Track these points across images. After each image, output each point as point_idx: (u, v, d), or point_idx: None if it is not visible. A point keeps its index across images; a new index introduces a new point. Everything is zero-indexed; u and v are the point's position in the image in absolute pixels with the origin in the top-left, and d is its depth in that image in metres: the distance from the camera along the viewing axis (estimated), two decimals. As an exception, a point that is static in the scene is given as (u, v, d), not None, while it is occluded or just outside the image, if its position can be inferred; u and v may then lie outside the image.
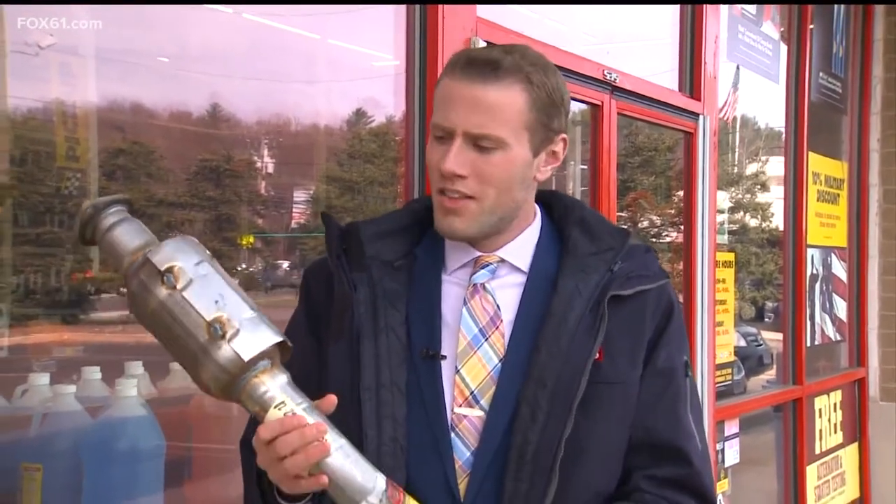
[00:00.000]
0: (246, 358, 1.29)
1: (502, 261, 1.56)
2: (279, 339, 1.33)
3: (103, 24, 2.60)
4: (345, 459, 1.32)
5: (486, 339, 1.51)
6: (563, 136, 1.57)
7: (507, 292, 1.54)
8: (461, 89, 1.47)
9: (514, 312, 1.53)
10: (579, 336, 1.48)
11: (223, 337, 1.28)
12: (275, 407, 1.31)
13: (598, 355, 1.47)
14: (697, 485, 1.52)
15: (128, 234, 1.35)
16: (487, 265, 1.55)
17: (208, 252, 1.35)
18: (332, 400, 1.34)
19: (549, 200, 1.65)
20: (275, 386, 1.32)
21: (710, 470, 1.57)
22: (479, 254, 1.56)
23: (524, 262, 1.57)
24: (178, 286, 1.29)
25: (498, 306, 1.52)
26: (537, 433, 1.44)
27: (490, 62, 1.49)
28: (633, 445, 1.52)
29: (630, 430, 1.51)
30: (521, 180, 1.52)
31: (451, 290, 1.55)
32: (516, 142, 1.49)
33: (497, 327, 1.52)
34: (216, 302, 1.30)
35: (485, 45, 3.08)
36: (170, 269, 1.29)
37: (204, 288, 1.30)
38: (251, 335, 1.30)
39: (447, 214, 1.50)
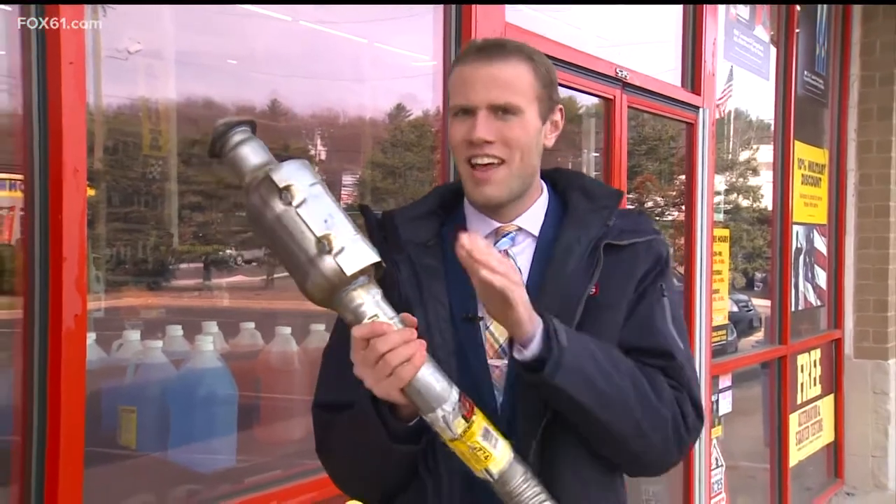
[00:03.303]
0: (348, 273, 1.28)
1: (520, 229, 1.57)
2: (377, 259, 1.32)
3: (180, 31, 2.62)
4: (427, 368, 1.32)
5: None
6: (560, 106, 1.60)
7: (524, 256, 1.56)
8: (478, 70, 1.49)
9: (528, 271, 1.55)
10: (577, 276, 1.50)
11: (329, 252, 1.27)
12: (368, 318, 1.31)
13: (594, 290, 1.49)
14: (678, 375, 1.50)
15: (251, 153, 1.33)
16: (507, 234, 1.56)
17: (320, 176, 1.34)
18: (414, 319, 1.35)
19: (553, 175, 1.66)
20: (370, 300, 1.31)
21: (694, 371, 1.55)
22: (498, 225, 1.56)
23: (537, 228, 1.58)
24: (294, 203, 1.28)
25: (519, 270, 1.52)
26: None
27: (498, 45, 1.53)
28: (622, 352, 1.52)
29: (619, 343, 1.51)
30: (536, 145, 1.54)
31: None
32: (529, 109, 1.50)
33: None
34: (325, 221, 1.29)
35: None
36: (287, 187, 1.28)
37: (316, 207, 1.29)
38: (354, 253, 1.29)
39: (479, 185, 1.50)
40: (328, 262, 1.27)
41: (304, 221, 1.28)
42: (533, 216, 1.58)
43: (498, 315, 1.36)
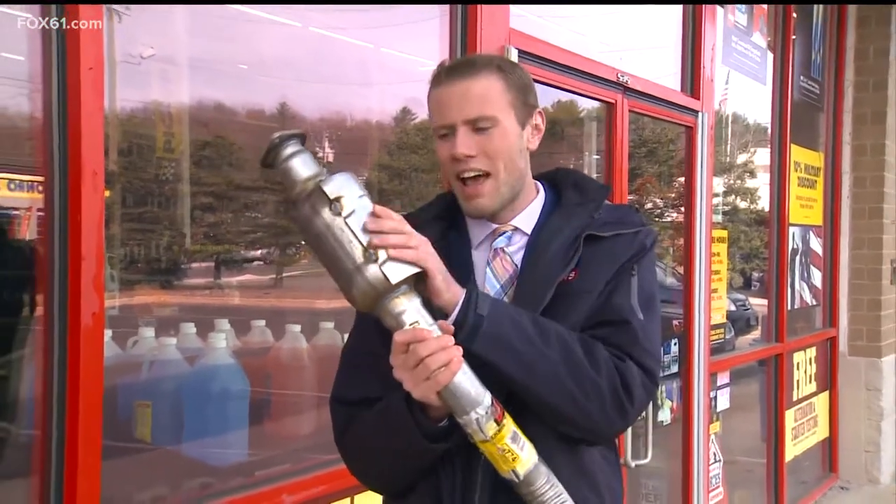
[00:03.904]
0: (393, 281, 1.32)
1: (515, 229, 1.60)
2: (418, 270, 1.35)
3: (192, 37, 2.63)
4: (462, 374, 1.36)
5: (506, 293, 1.55)
6: (539, 110, 1.62)
7: (521, 255, 1.59)
8: (451, 90, 1.51)
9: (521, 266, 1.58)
10: (555, 262, 1.53)
11: (375, 261, 1.31)
12: (409, 324, 1.35)
13: (573, 276, 1.52)
14: (627, 342, 1.51)
15: (302, 165, 1.36)
16: (503, 233, 1.59)
17: (365, 188, 1.37)
18: (451, 327, 1.38)
19: (553, 175, 1.69)
20: (411, 307, 1.35)
21: (651, 342, 1.54)
22: (495, 226, 1.60)
23: (531, 226, 1.61)
24: (343, 213, 1.32)
25: (516, 266, 1.57)
26: None
27: (466, 63, 1.56)
28: (580, 328, 1.53)
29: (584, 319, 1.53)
30: (519, 150, 1.56)
31: (480, 259, 1.59)
32: (506, 118, 1.53)
33: (514, 283, 1.56)
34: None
35: (516, 52, 3.08)
36: (338, 199, 1.32)
37: (363, 217, 1.33)
38: (398, 263, 1.33)
39: (470, 199, 1.55)
40: (374, 271, 1.32)
41: (353, 231, 1.32)
42: (528, 216, 1.61)
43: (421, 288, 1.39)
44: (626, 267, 1.56)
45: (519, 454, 1.37)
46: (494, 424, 1.36)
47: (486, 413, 1.35)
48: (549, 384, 1.43)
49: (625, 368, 1.49)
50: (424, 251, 1.37)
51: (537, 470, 1.39)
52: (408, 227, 1.38)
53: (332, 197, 1.32)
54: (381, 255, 1.32)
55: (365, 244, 1.32)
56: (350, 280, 1.33)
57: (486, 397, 1.36)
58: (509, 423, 1.38)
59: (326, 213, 1.32)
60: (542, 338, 1.44)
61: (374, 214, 1.34)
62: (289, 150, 1.37)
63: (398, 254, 1.33)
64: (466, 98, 1.50)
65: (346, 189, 1.33)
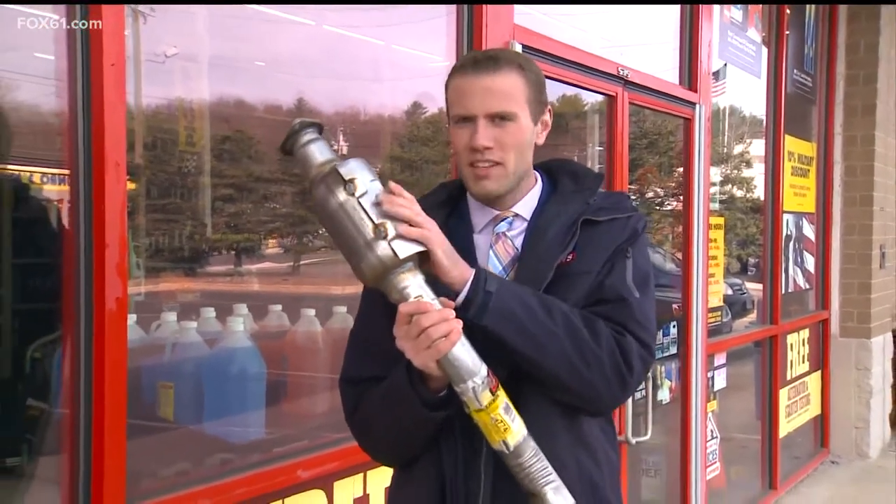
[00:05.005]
0: (401, 256, 1.34)
1: (516, 215, 1.61)
2: (424, 248, 1.37)
3: (212, 36, 2.62)
4: (461, 344, 1.37)
5: (508, 274, 1.56)
6: (549, 107, 1.63)
7: (521, 239, 1.60)
8: (475, 82, 1.52)
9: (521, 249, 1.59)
10: (554, 245, 1.54)
11: (385, 237, 1.34)
12: (413, 298, 1.37)
13: (570, 258, 1.53)
14: (625, 317, 1.52)
15: (318, 151, 1.39)
16: (505, 219, 1.60)
17: (377, 173, 1.40)
18: (451, 302, 1.40)
19: (549, 165, 1.70)
20: (415, 283, 1.37)
21: (647, 317, 1.55)
22: (496, 212, 1.60)
23: (531, 213, 1.62)
24: (356, 193, 1.34)
25: (517, 249, 1.58)
26: None
27: (491, 58, 1.56)
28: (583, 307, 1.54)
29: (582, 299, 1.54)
30: (529, 145, 1.58)
31: (482, 244, 1.60)
32: (523, 114, 1.54)
33: (515, 265, 1.57)
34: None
35: (520, 47, 3.05)
36: (352, 180, 1.34)
37: (375, 199, 1.36)
38: (406, 241, 1.35)
39: (479, 180, 1.55)
40: (383, 246, 1.34)
41: (364, 209, 1.34)
42: (527, 203, 1.62)
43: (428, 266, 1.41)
44: (620, 249, 1.57)
45: (510, 425, 1.39)
46: (489, 394, 1.38)
47: (483, 383, 1.37)
48: (555, 356, 1.45)
49: (624, 342, 1.50)
50: (432, 230, 1.39)
51: (526, 443, 1.41)
52: (417, 207, 1.39)
53: (346, 178, 1.35)
54: (391, 232, 1.34)
55: (376, 222, 1.34)
56: (360, 255, 1.35)
57: (482, 368, 1.38)
58: (503, 395, 1.40)
59: (341, 193, 1.34)
60: (547, 313, 1.45)
61: (389, 191, 1.37)
62: (307, 136, 1.40)
63: (406, 231, 1.35)
64: (491, 92, 1.51)
65: (360, 172, 1.36)
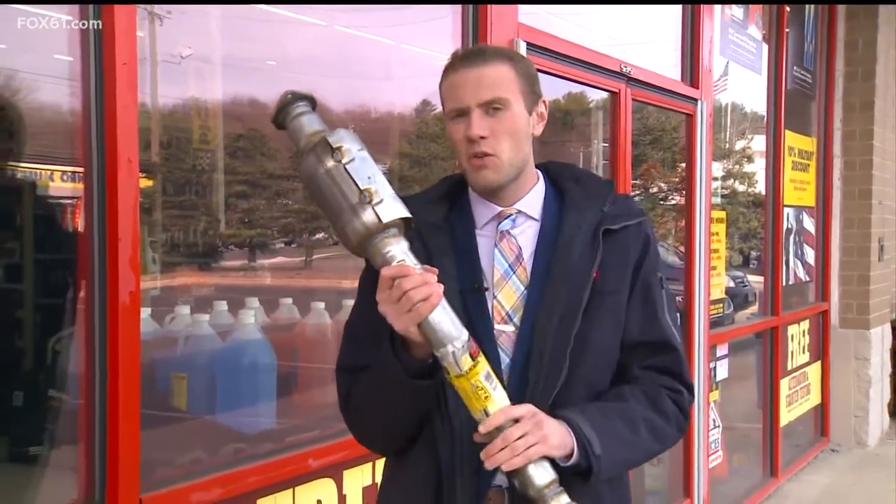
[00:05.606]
0: (384, 221, 1.33)
1: (519, 212, 1.58)
2: (408, 215, 1.37)
3: (225, 37, 2.62)
4: (442, 309, 1.35)
5: (514, 272, 1.53)
6: (544, 99, 1.60)
7: (524, 236, 1.56)
8: (465, 75, 1.50)
9: (531, 250, 1.56)
10: (581, 261, 1.51)
11: (370, 202, 1.33)
12: (396, 262, 1.36)
13: (595, 275, 1.51)
14: (678, 369, 1.58)
15: (309, 122, 1.39)
16: (509, 216, 1.57)
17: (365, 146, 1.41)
18: (434, 269, 1.38)
19: (547, 166, 1.67)
20: (398, 249, 1.36)
21: (685, 357, 1.62)
22: (500, 209, 1.57)
23: (535, 211, 1.59)
24: (344, 160, 1.34)
25: (520, 247, 1.54)
26: (552, 335, 1.47)
27: (478, 52, 1.55)
28: (627, 346, 1.54)
29: (623, 334, 1.54)
30: (525, 135, 1.54)
31: (484, 240, 1.57)
32: (516, 102, 1.51)
33: (521, 263, 1.54)
34: (369, 178, 1.34)
35: (525, 45, 3.03)
36: (339, 147, 1.34)
37: (362, 166, 1.35)
38: (390, 206, 1.34)
39: (479, 170, 1.52)
40: (368, 211, 1.33)
41: (351, 176, 1.34)
42: (531, 201, 1.58)
43: None
44: (644, 268, 1.55)
45: (491, 393, 1.36)
46: (469, 359, 1.35)
47: (462, 347, 1.35)
48: (644, 458, 1.60)
49: (681, 401, 1.57)
50: (538, 445, 1.38)
51: None
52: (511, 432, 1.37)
53: (335, 146, 1.34)
54: (376, 197, 1.33)
55: (362, 187, 1.33)
56: (345, 219, 1.34)
57: (463, 333, 1.36)
58: (484, 362, 1.37)
59: (329, 160, 1.34)
60: (634, 431, 1.50)
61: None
62: (299, 108, 1.40)
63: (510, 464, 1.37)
64: (480, 82, 1.49)
65: (348, 141, 1.35)
